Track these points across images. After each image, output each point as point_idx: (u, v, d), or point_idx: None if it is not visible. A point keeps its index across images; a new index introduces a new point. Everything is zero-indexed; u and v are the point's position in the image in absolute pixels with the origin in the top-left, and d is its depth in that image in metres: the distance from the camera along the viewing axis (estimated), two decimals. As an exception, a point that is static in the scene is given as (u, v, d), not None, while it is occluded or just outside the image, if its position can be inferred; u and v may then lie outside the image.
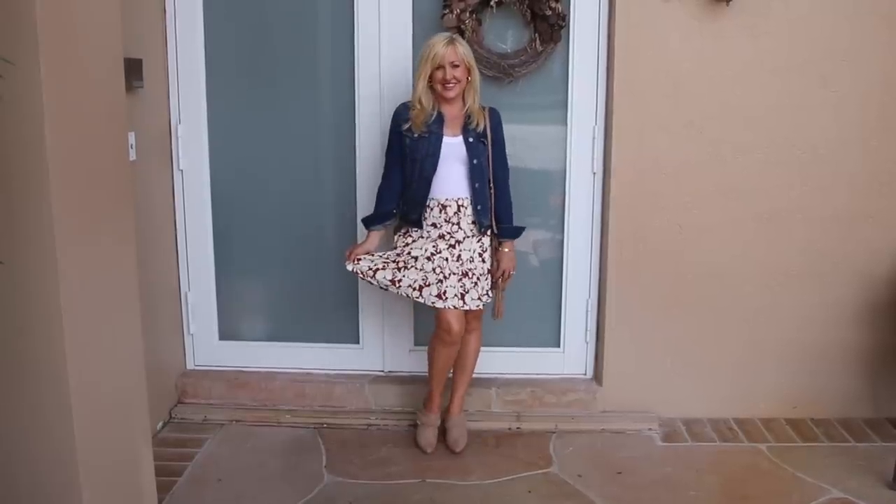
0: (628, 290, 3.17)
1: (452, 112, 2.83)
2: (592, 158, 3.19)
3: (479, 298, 2.88)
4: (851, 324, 3.20)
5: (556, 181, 3.26)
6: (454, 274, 2.84)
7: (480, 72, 3.04)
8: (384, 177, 2.92)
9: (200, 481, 2.77)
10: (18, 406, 1.78)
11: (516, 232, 2.96)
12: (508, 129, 3.20)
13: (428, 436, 3.03)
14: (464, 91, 2.81)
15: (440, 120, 2.80)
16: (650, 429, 3.16)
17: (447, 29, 2.96)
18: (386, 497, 2.68)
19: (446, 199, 2.83)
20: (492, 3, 2.98)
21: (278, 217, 3.34)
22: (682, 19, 2.96)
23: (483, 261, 2.90)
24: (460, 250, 2.86)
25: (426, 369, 3.12)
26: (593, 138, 3.17)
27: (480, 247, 2.90)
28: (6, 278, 1.70)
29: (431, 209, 2.84)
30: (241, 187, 3.32)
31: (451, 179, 2.82)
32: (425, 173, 2.80)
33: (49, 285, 1.72)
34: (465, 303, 2.85)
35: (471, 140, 2.82)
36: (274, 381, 3.32)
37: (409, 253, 2.85)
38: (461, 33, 2.96)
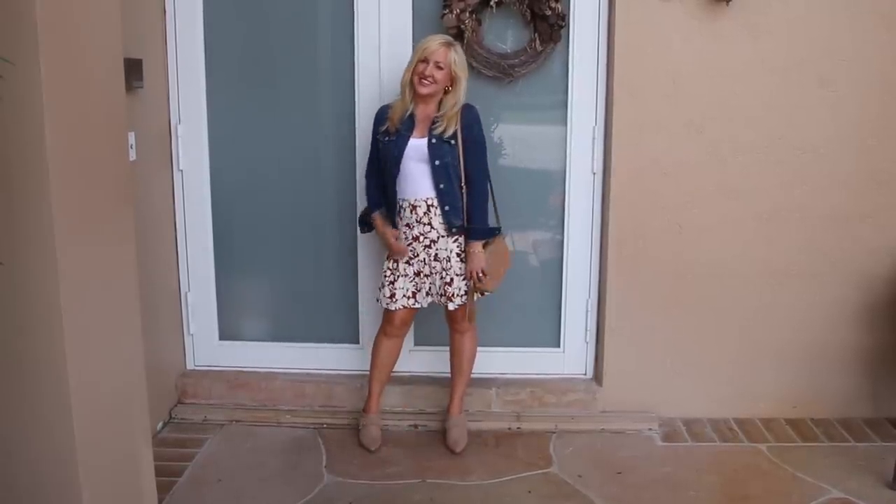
0: (628, 290, 3.17)
1: (425, 113, 2.84)
2: (592, 158, 3.19)
3: (449, 299, 2.88)
4: (851, 323, 3.20)
5: (555, 181, 3.26)
6: (435, 273, 2.89)
7: (480, 72, 3.06)
8: (366, 175, 2.99)
9: (200, 481, 2.77)
10: (18, 406, 1.78)
11: (486, 233, 2.90)
12: (508, 130, 3.22)
13: (370, 433, 3.03)
14: (442, 97, 2.81)
15: (411, 121, 2.83)
16: (650, 429, 3.16)
17: (447, 29, 2.97)
18: (386, 497, 2.68)
19: (415, 200, 2.84)
20: (492, 3, 2.98)
21: (278, 217, 3.34)
22: (681, 19, 2.96)
23: (460, 261, 2.89)
24: (436, 250, 2.87)
25: (426, 369, 3.12)
26: (593, 138, 3.17)
27: (458, 247, 2.89)
28: (6, 278, 1.70)
29: (404, 210, 2.87)
30: (241, 187, 3.32)
31: (417, 180, 2.83)
32: (391, 173, 2.84)
33: (49, 285, 1.72)
34: (448, 299, 2.88)
35: (433, 141, 2.81)
36: (274, 381, 3.32)
37: (391, 256, 2.91)
38: (461, 33, 2.96)
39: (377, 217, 2.92)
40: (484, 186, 2.89)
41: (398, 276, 2.89)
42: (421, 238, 2.86)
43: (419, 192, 2.84)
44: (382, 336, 3.02)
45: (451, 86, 2.80)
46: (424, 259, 2.88)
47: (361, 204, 3.22)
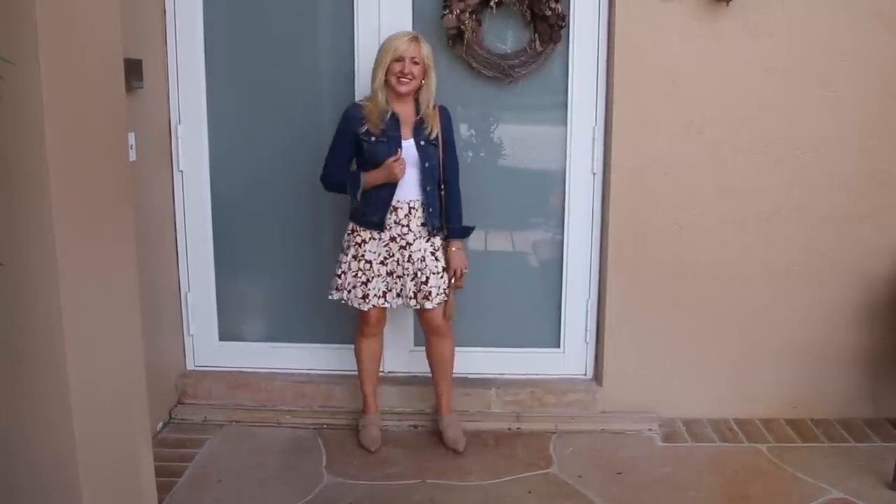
0: (628, 290, 3.17)
1: (405, 112, 2.83)
2: (592, 159, 3.19)
3: (426, 297, 2.87)
4: (851, 323, 3.20)
5: (556, 181, 3.26)
6: (406, 275, 2.86)
7: (480, 72, 3.06)
8: (328, 175, 2.88)
9: (200, 482, 2.77)
10: (18, 406, 1.78)
11: (465, 232, 2.95)
12: (508, 130, 3.23)
13: (370, 434, 3.02)
14: (418, 93, 2.82)
15: (396, 122, 2.80)
16: (650, 429, 3.16)
17: (447, 29, 2.97)
18: (386, 497, 2.68)
19: (397, 202, 2.83)
20: (492, 3, 2.98)
21: (278, 217, 3.34)
22: (681, 19, 2.96)
23: (436, 259, 2.89)
24: (411, 251, 2.86)
25: (426, 369, 3.11)
26: (593, 139, 3.17)
27: (431, 247, 2.89)
28: (6, 278, 1.70)
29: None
30: (241, 187, 3.33)
31: (404, 182, 2.82)
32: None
33: (49, 285, 1.72)
34: (416, 301, 2.87)
35: (422, 143, 2.82)
36: (274, 382, 3.32)
37: (363, 257, 2.86)
38: (461, 33, 2.96)
39: (364, 174, 2.80)
40: (458, 186, 2.94)
41: (372, 277, 2.86)
42: (398, 239, 2.85)
43: (404, 194, 2.83)
44: (361, 338, 3.02)
45: (423, 79, 2.81)
46: (398, 259, 2.86)
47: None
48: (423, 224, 2.86)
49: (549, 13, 2.96)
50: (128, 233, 2.05)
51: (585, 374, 3.38)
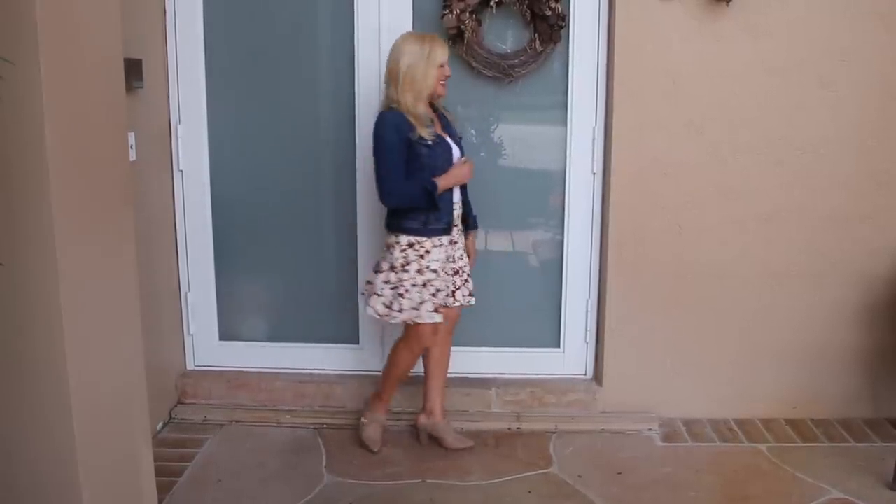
0: (628, 290, 3.17)
1: (431, 113, 2.81)
2: (592, 159, 3.19)
3: (471, 294, 2.91)
4: (851, 324, 3.20)
5: (555, 181, 3.26)
6: (449, 273, 2.86)
7: (480, 72, 3.07)
8: (399, 186, 2.67)
9: (200, 482, 2.77)
10: (18, 406, 1.78)
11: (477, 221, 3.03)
12: (508, 130, 3.24)
13: (373, 433, 3.00)
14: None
15: (432, 124, 2.79)
16: (650, 429, 3.16)
17: (447, 29, 2.97)
18: (386, 497, 2.68)
19: (454, 203, 2.84)
20: (492, 3, 2.98)
21: (278, 217, 3.34)
22: (681, 19, 2.96)
23: (467, 256, 2.94)
24: (455, 249, 2.88)
25: (425, 370, 3.12)
26: (593, 139, 3.17)
27: (462, 242, 2.93)
28: (6, 278, 1.70)
29: None
30: (241, 187, 3.32)
31: None
32: None
33: (49, 285, 1.72)
34: (455, 299, 2.88)
35: (459, 141, 2.84)
36: (274, 382, 3.32)
37: (428, 268, 2.73)
38: (461, 33, 2.96)
39: (437, 179, 2.67)
40: None
41: (442, 286, 2.76)
42: (455, 239, 2.87)
43: (456, 195, 2.84)
44: (418, 351, 2.87)
45: None
46: (455, 260, 2.87)
47: (361, 203, 3.22)
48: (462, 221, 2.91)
49: (549, 13, 2.96)
50: (128, 233, 2.05)
51: (585, 374, 3.38)
